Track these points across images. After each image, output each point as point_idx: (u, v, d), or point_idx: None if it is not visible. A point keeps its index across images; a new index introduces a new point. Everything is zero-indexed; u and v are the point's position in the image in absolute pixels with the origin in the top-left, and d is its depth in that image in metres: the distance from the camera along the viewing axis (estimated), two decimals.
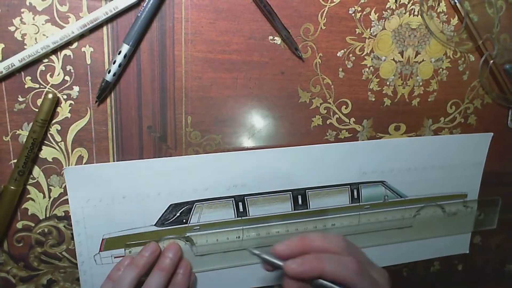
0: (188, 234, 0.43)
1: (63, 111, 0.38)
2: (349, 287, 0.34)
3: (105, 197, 0.40)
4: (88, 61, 0.37)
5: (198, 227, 0.43)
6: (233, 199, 0.43)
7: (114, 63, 0.36)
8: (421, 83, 0.46)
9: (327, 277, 0.35)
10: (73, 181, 0.39)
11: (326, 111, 0.44)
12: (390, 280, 0.38)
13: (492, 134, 0.50)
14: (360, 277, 0.34)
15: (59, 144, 0.38)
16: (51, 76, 0.37)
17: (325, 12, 0.41)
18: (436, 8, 0.44)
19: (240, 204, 0.43)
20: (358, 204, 0.47)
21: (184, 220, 0.42)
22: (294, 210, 0.45)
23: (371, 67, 0.44)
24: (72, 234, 0.40)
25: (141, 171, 0.40)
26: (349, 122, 0.46)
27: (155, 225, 0.41)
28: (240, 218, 0.44)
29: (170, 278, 0.41)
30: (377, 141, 0.47)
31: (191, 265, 0.42)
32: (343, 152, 0.46)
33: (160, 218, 0.41)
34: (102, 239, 0.40)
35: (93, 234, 0.40)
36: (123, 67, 0.37)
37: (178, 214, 0.42)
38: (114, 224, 0.40)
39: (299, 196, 0.45)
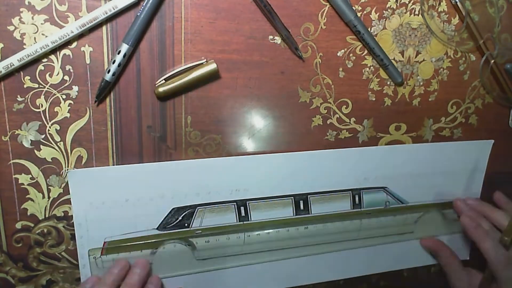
0: (190, 238, 0.42)
1: (62, 111, 0.37)
2: None
3: (108, 200, 0.39)
4: (88, 61, 0.37)
5: (200, 231, 0.42)
6: (235, 203, 0.43)
7: (113, 62, 0.36)
8: (421, 83, 0.46)
9: None
10: (76, 184, 0.38)
11: (326, 111, 0.44)
12: None
13: (493, 141, 0.50)
14: None
15: (58, 144, 0.38)
16: (50, 75, 0.36)
17: (325, 12, 0.41)
18: (436, 7, 0.44)
19: (242, 208, 0.43)
20: (359, 209, 0.47)
21: (186, 224, 0.42)
22: (296, 215, 0.45)
23: (372, 67, 0.44)
24: (71, 234, 0.40)
25: (144, 175, 0.40)
26: (350, 122, 0.46)
27: (157, 228, 0.41)
28: (242, 222, 0.43)
29: None
30: (379, 148, 0.47)
31: (161, 280, 0.42)
32: (344, 157, 0.45)
33: (162, 222, 0.41)
34: (104, 242, 0.40)
35: (95, 237, 0.40)
36: (123, 66, 0.37)
37: (180, 218, 0.42)
38: (116, 227, 0.40)
39: (301, 201, 0.45)
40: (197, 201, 0.42)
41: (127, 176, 0.39)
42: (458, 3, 0.44)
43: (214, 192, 0.42)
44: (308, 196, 0.45)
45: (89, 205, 0.39)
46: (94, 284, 0.39)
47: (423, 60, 0.45)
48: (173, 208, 0.41)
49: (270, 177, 0.43)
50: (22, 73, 0.36)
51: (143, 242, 0.41)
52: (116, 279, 0.39)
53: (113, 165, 0.40)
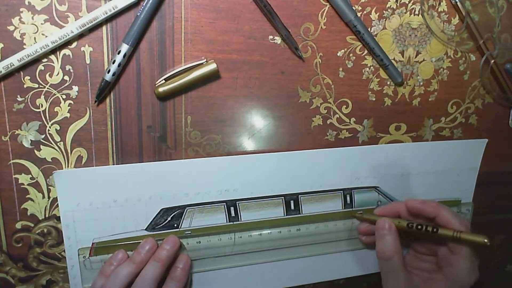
0: (180, 239, 0.42)
1: (62, 110, 0.38)
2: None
3: (96, 201, 0.39)
4: (88, 61, 0.37)
5: (190, 232, 0.42)
6: (225, 203, 0.43)
7: (113, 62, 0.36)
8: (421, 83, 0.46)
9: (441, 221, 0.40)
10: (63, 185, 0.38)
11: (326, 111, 0.44)
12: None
13: (487, 140, 0.50)
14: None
15: (58, 144, 0.38)
16: (50, 76, 0.36)
17: (325, 12, 0.41)
18: (436, 7, 0.44)
19: (232, 209, 0.43)
20: (351, 209, 0.47)
21: (176, 225, 0.42)
22: (287, 215, 0.45)
23: (372, 67, 0.44)
24: None
25: (132, 175, 0.40)
26: (350, 122, 0.46)
27: (146, 229, 0.41)
28: (232, 223, 0.43)
29: (168, 272, 0.40)
30: (370, 147, 0.47)
31: (191, 260, 0.42)
32: (335, 157, 0.45)
33: (151, 223, 0.41)
34: (92, 243, 0.40)
35: (83, 238, 0.40)
36: (123, 66, 0.37)
37: (169, 219, 0.41)
38: (105, 228, 0.40)
39: (292, 201, 0.45)
40: (186, 201, 0.42)
41: (115, 177, 0.39)
42: (458, 3, 0.44)
43: (203, 192, 0.42)
44: (299, 196, 0.45)
45: (76, 206, 0.39)
46: (121, 261, 0.39)
47: (423, 60, 0.45)
48: (162, 209, 0.41)
49: (260, 177, 0.43)
50: (22, 73, 0.36)
51: (132, 242, 0.41)
52: (144, 259, 0.39)
53: (113, 164, 0.40)
